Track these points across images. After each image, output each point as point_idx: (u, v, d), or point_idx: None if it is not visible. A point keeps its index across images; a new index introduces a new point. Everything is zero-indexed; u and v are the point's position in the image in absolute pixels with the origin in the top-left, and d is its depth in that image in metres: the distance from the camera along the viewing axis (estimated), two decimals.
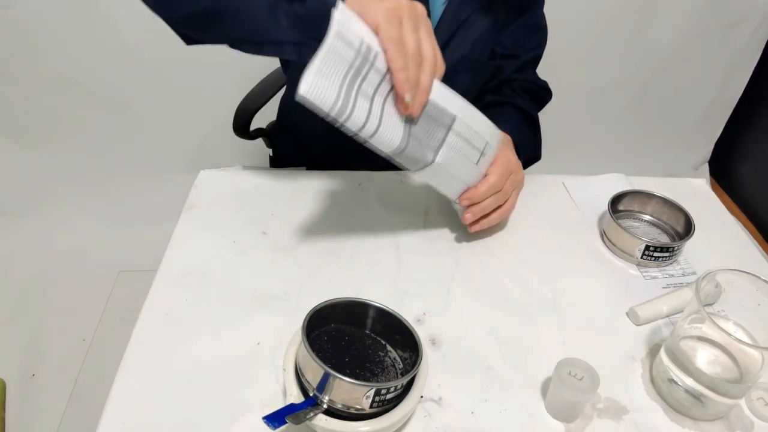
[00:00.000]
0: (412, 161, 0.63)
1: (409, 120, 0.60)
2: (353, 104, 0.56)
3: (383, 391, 0.48)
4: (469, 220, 0.73)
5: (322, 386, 0.47)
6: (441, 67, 0.60)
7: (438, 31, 0.81)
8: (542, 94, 0.95)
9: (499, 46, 0.89)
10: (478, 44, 0.85)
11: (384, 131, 0.58)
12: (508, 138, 0.78)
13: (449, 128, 0.64)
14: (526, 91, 0.93)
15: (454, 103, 0.64)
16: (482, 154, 0.68)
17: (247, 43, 0.65)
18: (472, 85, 0.91)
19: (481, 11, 0.83)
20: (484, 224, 0.74)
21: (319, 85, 0.53)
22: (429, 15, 0.79)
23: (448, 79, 0.89)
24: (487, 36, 0.86)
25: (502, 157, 0.72)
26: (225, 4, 0.62)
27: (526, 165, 0.82)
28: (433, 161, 0.64)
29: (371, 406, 0.48)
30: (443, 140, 0.64)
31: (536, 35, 0.92)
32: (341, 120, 0.55)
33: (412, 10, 0.57)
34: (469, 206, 0.72)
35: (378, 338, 0.56)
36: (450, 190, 0.70)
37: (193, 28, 0.67)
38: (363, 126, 0.56)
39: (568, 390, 0.52)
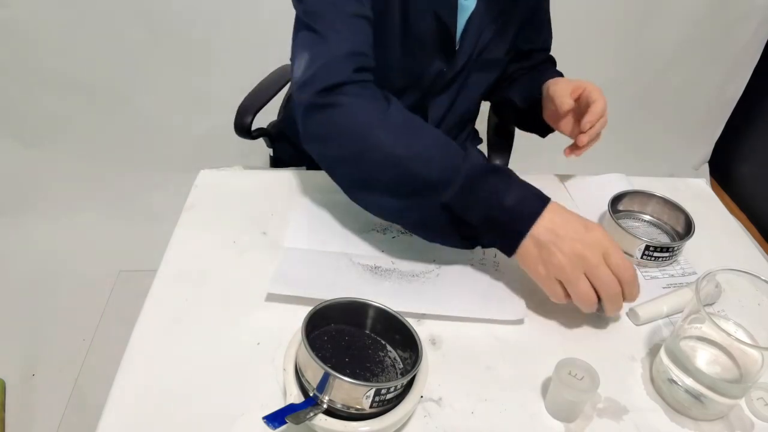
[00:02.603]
0: None
1: None
2: None
3: (383, 391, 0.48)
4: (584, 142, 0.77)
5: (322, 386, 0.48)
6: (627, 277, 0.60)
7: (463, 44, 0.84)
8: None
9: (528, 44, 0.95)
10: (492, 44, 0.88)
11: None
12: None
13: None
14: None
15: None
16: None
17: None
18: (486, 82, 0.95)
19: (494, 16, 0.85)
20: (584, 150, 0.80)
21: None
22: (455, 34, 0.82)
23: (464, 79, 0.90)
24: (498, 35, 0.87)
25: (591, 86, 0.78)
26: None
27: None
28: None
29: (371, 406, 0.48)
30: None
31: (545, 28, 0.98)
32: None
33: (587, 250, 0.59)
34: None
35: (378, 338, 0.56)
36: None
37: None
38: None
39: (568, 390, 0.52)
